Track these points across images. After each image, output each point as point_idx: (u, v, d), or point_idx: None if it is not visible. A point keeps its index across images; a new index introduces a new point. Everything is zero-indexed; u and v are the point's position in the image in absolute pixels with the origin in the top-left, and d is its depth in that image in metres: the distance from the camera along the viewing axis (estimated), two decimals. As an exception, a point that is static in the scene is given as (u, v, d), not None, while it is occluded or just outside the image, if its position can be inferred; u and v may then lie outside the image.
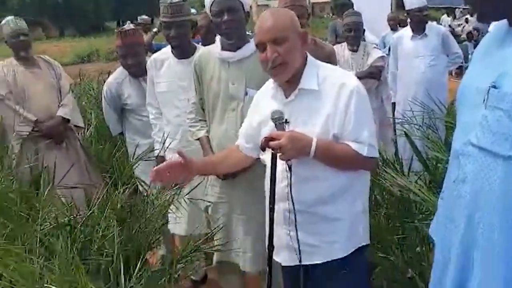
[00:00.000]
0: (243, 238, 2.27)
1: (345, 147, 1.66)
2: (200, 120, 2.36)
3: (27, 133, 3.08)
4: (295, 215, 1.63)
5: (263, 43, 1.67)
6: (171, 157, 2.68)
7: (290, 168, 1.59)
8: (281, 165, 1.64)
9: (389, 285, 2.43)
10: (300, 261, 1.68)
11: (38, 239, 1.96)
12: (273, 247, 1.71)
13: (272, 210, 1.68)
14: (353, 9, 4.69)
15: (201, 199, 2.35)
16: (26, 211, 2.16)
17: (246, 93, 2.15)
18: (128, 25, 3.12)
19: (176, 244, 2.99)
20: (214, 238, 2.31)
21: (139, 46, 3.07)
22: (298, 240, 1.65)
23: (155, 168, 1.79)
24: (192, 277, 3.07)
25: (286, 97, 1.72)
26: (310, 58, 1.75)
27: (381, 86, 3.89)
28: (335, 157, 1.66)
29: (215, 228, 2.29)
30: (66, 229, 2.13)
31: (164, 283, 1.99)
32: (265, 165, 1.83)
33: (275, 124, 1.63)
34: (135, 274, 1.83)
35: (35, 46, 3.54)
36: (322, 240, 1.72)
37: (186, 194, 2.36)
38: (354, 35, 3.78)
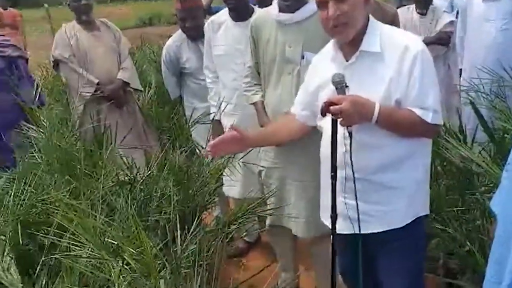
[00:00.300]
0: (296, 203, 2.28)
1: (409, 113, 1.59)
2: (256, 84, 2.35)
3: (90, 95, 3.20)
4: (354, 183, 1.59)
5: (325, 1, 1.59)
6: (226, 123, 2.71)
7: (350, 134, 1.54)
8: (340, 131, 1.59)
9: (446, 257, 2.37)
10: (359, 230, 1.64)
11: (100, 196, 2.06)
12: (336, 215, 1.67)
13: (334, 177, 1.63)
14: None
15: (254, 164, 2.36)
16: (89, 169, 2.27)
17: (303, 57, 2.10)
18: None
19: (230, 207, 3.06)
20: (267, 202, 2.33)
21: (198, 10, 3.06)
22: (358, 208, 1.60)
23: (211, 142, 1.80)
24: (245, 238, 3.14)
25: (347, 60, 1.66)
26: (372, 19, 1.67)
27: (449, 52, 3.70)
28: (398, 123, 1.60)
29: (268, 192, 2.31)
30: (126, 187, 2.23)
31: (218, 243, 2.05)
32: (321, 132, 1.80)
33: (336, 88, 1.57)
34: (190, 232, 1.88)
35: (99, 9, 3.64)
36: (379, 209, 1.68)
37: (241, 158, 2.39)
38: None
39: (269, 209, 2.32)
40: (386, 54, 1.61)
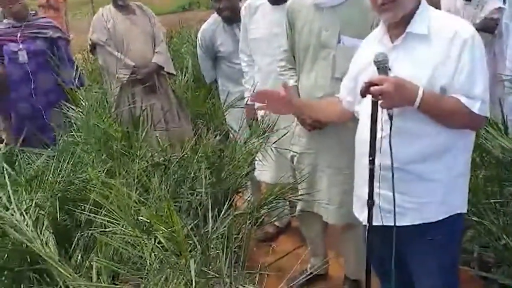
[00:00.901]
0: (327, 190, 2.26)
1: (454, 100, 1.51)
2: (290, 68, 2.33)
3: (126, 78, 3.26)
4: (392, 170, 1.51)
5: None
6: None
7: (391, 117, 1.47)
8: (379, 115, 1.53)
9: (481, 250, 2.31)
10: (394, 222, 1.56)
11: (135, 176, 2.11)
12: (373, 201, 1.62)
13: (372, 162, 1.57)
14: None
15: (287, 149, 2.36)
16: (125, 149, 2.32)
17: (339, 41, 2.07)
18: None
19: (262, 191, 3.07)
20: (299, 188, 2.33)
21: None
22: (394, 199, 1.54)
23: (256, 92, 1.77)
24: (275, 223, 3.15)
25: (392, 42, 1.60)
26: (423, 1, 1.60)
27: (494, 40, 3.54)
28: (442, 110, 1.52)
29: (300, 178, 2.30)
30: (160, 168, 2.27)
31: (248, 226, 2.06)
32: (357, 118, 1.77)
33: (378, 68, 1.50)
34: (221, 215, 1.91)
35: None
36: (413, 201, 1.61)
37: (273, 143, 2.39)
38: None
39: (300, 195, 2.32)
40: (434, 37, 1.54)
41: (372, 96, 1.49)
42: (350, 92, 1.80)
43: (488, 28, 3.39)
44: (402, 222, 1.61)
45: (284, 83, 1.79)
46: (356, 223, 2.20)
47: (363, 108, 1.67)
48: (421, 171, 1.59)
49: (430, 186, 1.60)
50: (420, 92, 1.47)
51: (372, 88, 1.46)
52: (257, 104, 1.81)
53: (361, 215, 1.76)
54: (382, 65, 1.49)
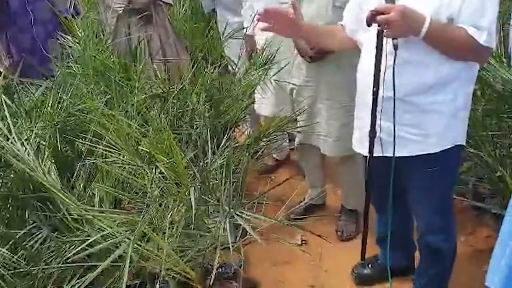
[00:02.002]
0: (326, 122, 2.27)
1: (460, 30, 1.48)
2: (291, -3, 2.26)
3: (122, 8, 3.16)
4: (394, 102, 1.50)
5: None
6: (259, 39, 2.65)
7: (396, 47, 1.45)
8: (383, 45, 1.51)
9: (476, 182, 2.36)
10: (393, 153, 1.59)
11: (135, 108, 2.10)
12: (375, 133, 1.63)
13: (375, 93, 1.56)
14: None
15: (286, 81, 2.34)
16: (124, 81, 2.30)
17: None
18: None
19: (261, 124, 3.08)
20: (298, 120, 2.34)
21: None
22: (394, 130, 1.54)
23: (265, 8, 1.68)
24: (274, 155, 3.19)
25: None
26: None
27: None
28: (448, 40, 1.49)
29: (298, 110, 2.30)
30: (159, 100, 2.26)
31: (247, 157, 2.09)
32: (359, 49, 1.74)
33: None
34: (221, 146, 1.92)
35: None
36: (415, 132, 1.62)
37: (272, 76, 2.37)
38: None
39: (299, 127, 2.33)
40: None
41: (378, 25, 1.45)
42: (353, 20, 1.75)
43: None
44: (402, 153, 1.63)
45: (294, 2, 1.68)
46: (353, 154, 2.24)
47: (367, 38, 1.63)
48: (423, 102, 1.58)
49: (432, 118, 1.60)
50: (427, 22, 1.43)
51: (378, 17, 1.42)
52: (262, 24, 1.72)
53: (361, 147, 1.77)
54: None
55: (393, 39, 1.45)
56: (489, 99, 2.34)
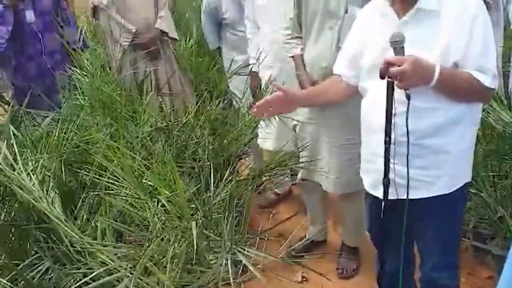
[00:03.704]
0: (328, 160, 2.29)
1: (467, 75, 1.50)
2: (296, 37, 2.32)
3: (128, 43, 3.24)
4: (408, 147, 1.51)
5: None
6: (264, 75, 2.71)
7: (408, 97, 1.45)
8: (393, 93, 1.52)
9: (477, 222, 2.36)
10: (407, 195, 1.57)
11: (139, 140, 2.13)
12: (389, 180, 1.61)
13: (388, 142, 1.56)
14: None
15: (290, 118, 2.37)
16: (129, 113, 2.34)
17: (346, 11, 2.05)
18: None
19: (263, 158, 3.10)
20: (300, 156, 2.36)
21: None
22: (408, 173, 1.54)
23: (256, 103, 1.74)
24: (276, 190, 3.20)
25: (399, 18, 1.57)
26: None
27: (491, 12, 3.44)
28: (456, 86, 1.51)
29: (301, 146, 2.33)
30: (164, 133, 2.29)
31: (249, 192, 2.10)
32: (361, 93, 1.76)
33: (394, 48, 1.45)
34: (223, 180, 1.94)
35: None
36: (427, 175, 1.62)
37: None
38: None
39: (301, 163, 2.35)
40: (444, 13, 1.51)
41: (389, 77, 1.46)
42: (352, 66, 1.76)
43: None
44: (416, 195, 1.62)
45: (278, 86, 1.75)
46: (355, 192, 2.25)
47: (371, 85, 1.65)
48: (434, 144, 1.59)
49: (443, 159, 1.61)
50: (437, 71, 1.45)
51: (391, 69, 1.43)
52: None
53: (376, 191, 1.75)
54: (399, 46, 1.45)
55: (405, 89, 1.46)
56: (490, 140, 2.36)
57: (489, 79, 1.52)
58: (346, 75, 1.80)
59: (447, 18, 1.51)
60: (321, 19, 2.13)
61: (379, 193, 1.72)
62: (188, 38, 4.38)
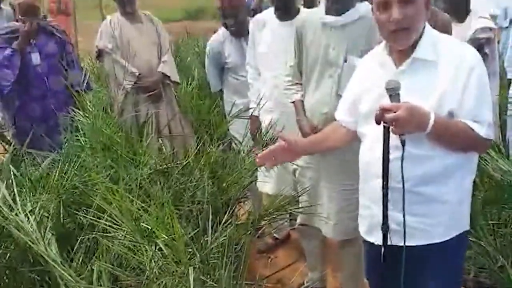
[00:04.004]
0: (327, 205, 2.29)
1: (462, 125, 1.52)
2: (297, 83, 2.37)
3: (131, 86, 3.30)
4: (403, 194, 1.51)
5: (388, 2, 1.51)
6: (264, 119, 2.75)
7: (403, 143, 1.47)
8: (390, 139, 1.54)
9: (477, 271, 2.33)
10: (404, 242, 1.55)
11: (138, 182, 2.13)
12: (387, 226, 1.61)
13: (385, 187, 1.57)
14: None
15: (289, 162, 2.38)
16: (129, 155, 2.35)
17: (345, 60, 2.11)
18: None
19: (262, 202, 3.09)
20: (300, 201, 2.35)
21: (239, 8, 3.05)
22: (404, 220, 1.53)
23: (259, 155, 1.77)
24: (275, 235, 3.17)
25: (397, 66, 1.60)
26: (427, 26, 1.61)
27: (487, 61, 3.53)
28: (451, 135, 1.53)
29: (301, 191, 2.33)
30: (163, 175, 2.29)
31: (248, 236, 2.08)
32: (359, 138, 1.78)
33: (390, 95, 1.47)
34: (222, 224, 1.93)
35: (147, 0, 3.72)
36: (423, 222, 1.62)
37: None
38: (447, 7, 3.29)
39: (300, 208, 2.34)
40: (441, 63, 1.55)
41: (384, 122, 1.49)
42: (352, 113, 1.79)
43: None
44: (410, 242, 1.60)
45: (281, 135, 1.79)
46: (354, 238, 2.23)
47: (368, 131, 1.67)
48: (429, 192, 1.60)
49: (439, 207, 1.61)
50: (432, 118, 1.47)
51: (387, 115, 1.45)
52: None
53: (371, 236, 1.75)
54: (394, 92, 1.48)
55: (400, 135, 1.48)
56: (488, 188, 2.37)
57: (484, 129, 1.53)
58: (345, 120, 1.83)
59: (443, 68, 1.55)
60: (321, 68, 2.18)
61: (373, 239, 1.73)
62: (189, 81, 4.47)
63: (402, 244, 1.58)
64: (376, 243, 1.73)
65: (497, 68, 3.77)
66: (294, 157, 1.87)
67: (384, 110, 1.46)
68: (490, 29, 3.39)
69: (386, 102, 1.49)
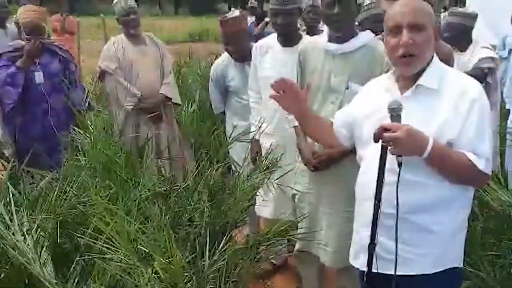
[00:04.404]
0: (326, 231, 2.27)
1: (461, 155, 1.53)
2: (298, 108, 2.38)
3: (132, 107, 3.32)
4: (396, 220, 1.51)
5: (399, 26, 1.55)
6: (264, 143, 2.75)
7: (400, 165, 1.48)
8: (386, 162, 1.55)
9: (476, 302, 2.30)
10: (395, 271, 1.55)
11: (137, 204, 2.12)
12: (374, 245, 1.61)
13: (377, 206, 1.57)
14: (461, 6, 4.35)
15: (289, 187, 2.38)
16: (129, 176, 2.34)
17: (347, 87, 2.13)
18: (232, 13, 3.18)
19: (260, 226, 3.08)
20: (298, 227, 2.34)
21: (240, 34, 3.08)
22: (396, 247, 1.52)
23: (283, 78, 1.76)
24: (272, 260, 3.14)
25: (401, 93, 1.63)
26: (435, 56, 1.64)
27: (489, 90, 3.57)
28: (449, 163, 1.54)
29: (300, 217, 2.32)
30: (162, 197, 2.29)
31: (246, 261, 2.07)
32: (358, 163, 1.79)
33: (391, 116, 1.50)
34: (219, 248, 1.91)
35: (151, 21, 3.78)
36: (412, 251, 1.61)
37: (276, 179, 2.42)
38: (451, 36, 3.43)
39: (299, 234, 2.33)
40: (444, 93, 1.57)
41: (383, 142, 1.50)
42: (345, 126, 1.82)
43: (476, 77, 3.42)
44: (397, 271, 1.58)
45: (309, 83, 1.79)
46: (352, 266, 2.20)
47: (367, 154, 1.69)
48: (422, 221, 1.59)
49: (430, 238, 1.60)
50: (430, 143, 1.49)
51: (385, 134, 1.47)
52: (271, 93, 1.79)
53: (355, 260, 1.75)
54: (395, 113, 1.50)
55: (397, 156, 1.49)
56: (487, 218, 2.36)
57: (483, 163, 1.53)
58: (337, 129, 1.84)
59: (446, 97, 1.57)
60: (323, 94, 2.20)
61: (358, 264, 1.73)
62: (190, 103, 4.49)
63: (387, 272, 1.58)
64: (360, 268, 1.72)
65: (499, 98, 3.81)
66: (293, 110, 1.85)
67: (383, 129, 1.48)
68: (493, 59, 3.44)
69: (388, 122, 1.51)
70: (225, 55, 3.26)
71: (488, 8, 4.69)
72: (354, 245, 1.79)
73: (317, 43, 2.26)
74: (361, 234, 1.69)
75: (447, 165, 1.54)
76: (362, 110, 1.76)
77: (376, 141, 1.52)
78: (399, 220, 1.53)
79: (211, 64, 3.60)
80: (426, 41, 1.56)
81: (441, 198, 1.58)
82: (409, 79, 1.62)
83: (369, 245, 1.63)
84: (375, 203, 1.58)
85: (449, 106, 1.55)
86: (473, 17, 3.62)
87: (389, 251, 1.59)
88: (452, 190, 1.58)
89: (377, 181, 1.57)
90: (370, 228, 1.61)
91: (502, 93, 4.17)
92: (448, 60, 2.33)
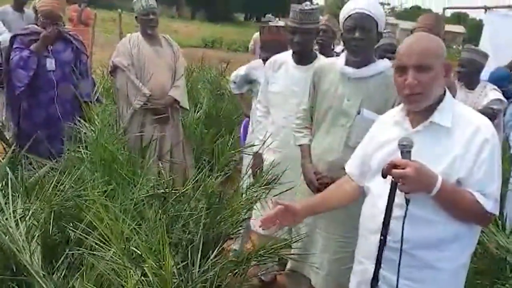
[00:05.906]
0: (320, 254, 2.25)
1: (469, 195, 1.52)
2: (306, 127, 2.38)
3: (140, 106, 3.31)
4: (400, 255, 1.50)
5: (404, 66, 1.57)
6: (268, 158, 2.74)
7: (408, 202, 1.48)
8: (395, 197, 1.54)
9: None
10: None
11: (134, 203, 2.11)
12: (377, 281, 1.59)
13: (383, 242, 1.56)
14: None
15: (293, 225, 2.35)
16: (129, 175, 2.33)
17: (358, 112, 2.12)
18: (276, 22, 3.20)
19: (252, 241, 3.04)
20: (293, 246, 2.32)
21: (276, 43, 3.09)
22: (397, 281, 1.52)
23: (262, 218, 1.74)
24: (262, 277, 3.10)
25: (413, 127, 1.62)
26: (448, 93, 1.64)
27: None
28: (456, 202, 1.53)
29: (295, 237, 2.29)
30: (159, 200, 2.27)
31: (236, 276, 2.04)
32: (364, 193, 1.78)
33: (401, 152, 1.49)
34: (211, 258, 1.89)
35: (168, 23, 3.79)
36: (415, 287, 1.59)
37: (275, 196, 2.40)
38: (464, 72, 3.54)
39: (292, 254, 2.30)
40: (456, 131, 1.57)
41: (392, 178, 1.49)
42: (361, 168, 1.80)
43: (486, 115, 3.42)
44: None
45: (280, 202, 1.76)
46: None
47: (375, 186, 1.67)
48: (428, 258, 1.58)
49: (434, 274, 1.59)
50: (439, 182, 1.48)
51: (394, 171, 1.47)
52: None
53: None
54: (405, 149, 1.49)
55: (405, 193, 1.48)
56: (481, 258, 2.34)
57: (491, 204, 1.53)
58: (355, 174, 1.82)
59: (458, 136, 1.56)
60: (334, 116, 2.19)
61: None
62: (197, 109, 4.49)
63: None
64: None
65: (501, 139, 3.81)
66: (296, 221, 1.82)
67: (392, 165, 1.47)
68: (501, 101, 3.47)
69: (397, 158, 1.50)
70: (259, 62, 3.31)
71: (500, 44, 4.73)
72: (356, 276, 1.76)
73: (334, 64, 2.25)
74: (365, 266, 1.68)
75: (455, 203, 1.53)
76: (372, 144, 1.76)
77: (384, 176, 1.51)
78: (404, 255, 1.52)
79: (222, 73, 3.62)
80: (432, 79, 1.56)
81: (447, 235, 1.57)
82: (420, 114, 1.62)
83: (371, 281, 1.61)
84: (380, 238, 1.57)
85: (461, 144, 1.54)
86: (487, 56, 3.67)
87: (392, 286, 1.57)
88: (458, 228, 1.57)
89: (384, 216, 1.56)
90: (374, 261, 1.59)
91: (508, 136, 4.17)
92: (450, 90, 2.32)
